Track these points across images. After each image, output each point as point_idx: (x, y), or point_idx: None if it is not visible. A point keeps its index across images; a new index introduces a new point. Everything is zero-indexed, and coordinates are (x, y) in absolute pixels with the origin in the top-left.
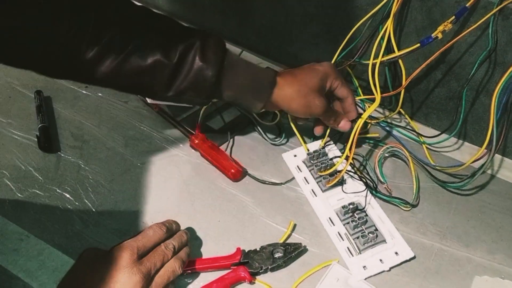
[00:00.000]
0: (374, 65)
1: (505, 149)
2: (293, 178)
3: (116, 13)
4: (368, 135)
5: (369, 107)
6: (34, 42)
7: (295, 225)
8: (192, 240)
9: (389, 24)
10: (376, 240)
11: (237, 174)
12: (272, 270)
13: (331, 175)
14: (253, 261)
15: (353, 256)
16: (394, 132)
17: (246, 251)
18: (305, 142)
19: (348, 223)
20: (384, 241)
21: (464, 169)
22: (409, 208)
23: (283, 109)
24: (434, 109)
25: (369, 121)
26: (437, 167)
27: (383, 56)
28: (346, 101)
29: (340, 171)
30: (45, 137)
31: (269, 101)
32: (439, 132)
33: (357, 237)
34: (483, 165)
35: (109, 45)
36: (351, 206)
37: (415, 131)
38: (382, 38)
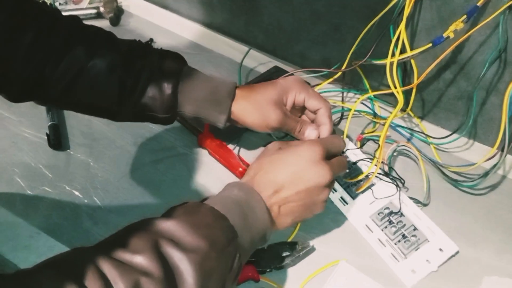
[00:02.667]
0: (390, 64)
1: None
2: None
3: (81, 33)
4: (378, 133)
5: (392, 111)
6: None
7: (300, 226)
8: None
9: (403, 24)
10: (419, 242)
11: (245, 173)
12: (279, 269)
13: (359, 181)
14: (261, 260)
15: (399, 262)
16: (404, 132)
17: None
18: None
19: (386, 227)
20: (426, 240)
21: (475, 170)
22: (421, 207)
23: (241, 123)
24: (444, 109)
25: (378, 120)
26: (445, 165)
27: (394, 56)
28: (318, 113)
29: (369, 176)
30: (55, 135)
31: (230, 113)
32: (450, 133)
33: (399, 241)
34: (495, 165)
35: (71, 64)
36: (386, 211)
37: (423, 133)
38: (398, 38)
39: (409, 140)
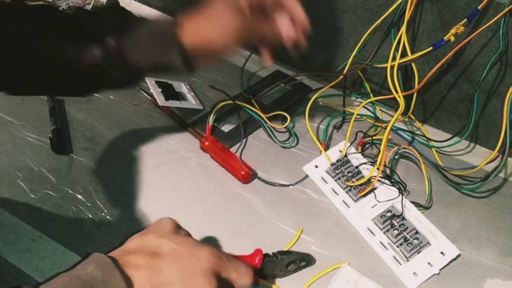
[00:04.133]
0: (391, 68)
1: None
2: (302, 179)
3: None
4: (379, 137)
5: (394, 114)
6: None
7: (303, 230)
8: (202, 241)
9: (403, 27)
10: (421, 245)
11: (247, 176)
12: (281, 277)
13: (361, 184)
14: (267, 268)
15: (401, 264)
16: (405, 135)
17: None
18: (325, 150)
19: (388, 230)
20: (428, 243)
21: (476, 173)
22: (423, 211)
23: (203, 48)
24: (445, 112)
25: (380, 124)
26: (446, 168)
27: (395, 60)
28: (285, 4)
29: (371, 180)
30: (58, 139)
31: (183, 48)
32: (451, 136)
33: (401, 244)
34: (496, 167)
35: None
36: (388, 214)
37: (425, 136)
38: (399, 41)
39: (410, 143)
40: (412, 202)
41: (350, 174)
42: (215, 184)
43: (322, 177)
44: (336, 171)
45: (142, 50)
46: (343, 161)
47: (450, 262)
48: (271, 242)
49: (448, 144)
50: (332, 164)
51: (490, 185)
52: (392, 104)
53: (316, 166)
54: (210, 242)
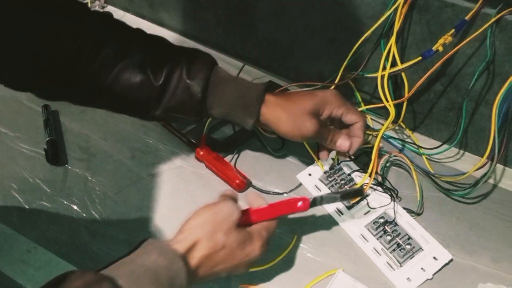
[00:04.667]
0: (381, 78)
1: (506, 159)
2: (296, 187)
3: (112, 33)
4: (371, 145)
5: (384, 122)
6: (41, 58)
7: (297, 237)
8: None
9: (393, 38)
10: (413, 250)
11: (242, 184)
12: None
13: None
14: (319, 197)
15: (394, 270)
16: (396, 143)
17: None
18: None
19: (381, 236)
20: (421, 248)
21: (466, 179)
22: (414, 217)
23: (273, 130)
24: (435, 120)
25: (370, 132)
26: (437, 175)
27: (385, 69)
28: (354, 126)
29: (363, 187)
30: (52, 150)
31: (259, 118)
32: (440, 143)
33: (394, 250)
34: (485, 174)
35: (104, 63)
36: (381, 220)
37: (415, 144)
38: (388, 52)
39: (401, 151)
40: (405, 209)
41: (343, 182)
42: (210, 193)
43: (315, 185)
44: (329, 179)
45: (222, 106)
46: (336, 169)
47: (443, 266)
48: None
49: (438, 151)
50: (325, 172)
51: (481, 191)
52: (382, 113)
53: (310, 174)
54: None
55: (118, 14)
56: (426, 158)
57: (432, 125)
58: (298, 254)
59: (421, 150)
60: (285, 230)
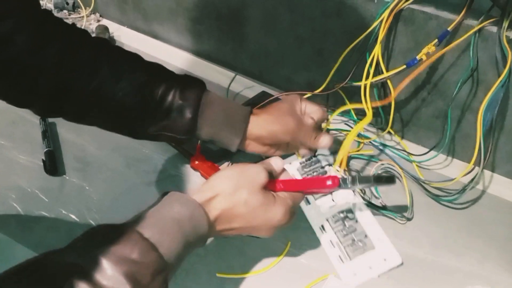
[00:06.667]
0: (365, 85)
1: (493, 165)
2: None
3: (111, 55)
4: (363, 152)
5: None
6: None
7: (291, 243)
8: (193, 256)
9: (377, 48)
10: (365, 248)
11: None
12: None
13: None
14: (350, 176)
15: (343, 263)
16: (387, 151)
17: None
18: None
19: (339, 231)
20: (373, 248)
21: (455, 185)
22: (405, 221)
23: (261, 139)
24: (422, 128)
25: (362, 140)
26: (426, 182)
27: (372, 77)
28: (319, 118)
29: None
30: (50, 161)
31: (245, 136)
32: (428, 150)
33: (348, 245)
34: (472, 179)
35: (102, 82)
36: (341, 215)
37: (405, 151)
38: (372, 61)
39: (392, 158)
40: (395, 212)
41: (315, 173)
42: None
43: (292, 174)
44: (305, 169)
45: (210, 126)
46: (313, 161)
47: (391, 269)
48: (260, 256)
49: (426, 158)
50: (301, 162)
51: (469, 197)
52: (372, 121)
53: (290, 163)
54: (200, 257)
55: (113, 27)
56: (417, 165)
57: (420, 132)
58: (292, 260)
59: (411, 157)
60: (278, 236)
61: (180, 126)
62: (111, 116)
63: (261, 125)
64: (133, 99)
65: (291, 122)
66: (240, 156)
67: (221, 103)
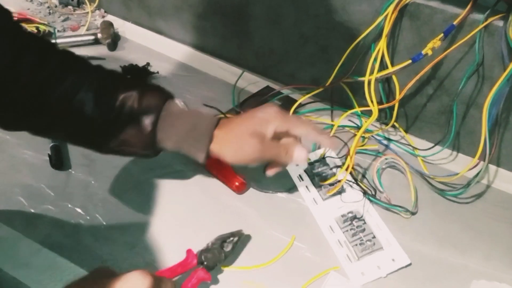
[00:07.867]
0: (369, 81)
1: (499, 160)
2: (294, 187)
3: (72, 64)
4: (367, 147)
5: (365, 121)
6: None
7: (296, 237)
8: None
9: (382, 43)
10: (373, 248)
11: (241, 186)
12: (225, 260)
13: (331, 184)
14: (208, 261)
15: (351, 262)
16: (391, 145)
17: (195, 252)
18: None
19: (347, 230)
20: (381, 248)
21: (460, 180)
22: (409, 216)
23: (219, 157)
24: (427, 123)
25: (365, 135)
26: (431, 176)
27: (377, 73)
28: (307, 138)
29: (340, 181)
30: (56, 155)
31: (208, 151)
32: (433, 145)
33: (356, 245)
34: (477, 174)
35: (61, 96)
36: (350, 215)
37: (410, 145)
38: (376, 56)
39: (396, 153)
40: (400, 206)
41: (324, 175)
42: (210, 195)
43: (299, 175)
44: (313, 171)
45: (173, 140)
46: (321, 163)
47: (399, 269)
48: (265, 250)
49: (431, 153)
50: (309, 164)
51: (474, 192)
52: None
53: (297, 165)
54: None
55: (118, 23)
56: (422, 160)
57: (425, 128)
58: (296, 254)
59: (417, 152)
60: (282, 231)
61: (139, 141)
62: (74, 128)
63: (215, 143)
64: (91, 110)
65: (245, 147)
66: None
67: (183, 115)
